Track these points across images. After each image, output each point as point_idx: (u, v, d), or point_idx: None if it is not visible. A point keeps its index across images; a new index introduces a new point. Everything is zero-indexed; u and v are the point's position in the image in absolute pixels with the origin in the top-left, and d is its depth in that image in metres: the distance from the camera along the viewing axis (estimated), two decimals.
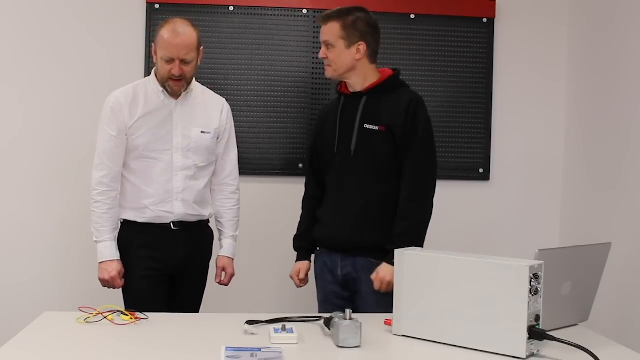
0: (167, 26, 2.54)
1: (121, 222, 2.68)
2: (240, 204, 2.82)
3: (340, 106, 2.64)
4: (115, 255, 2.61)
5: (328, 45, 2.57)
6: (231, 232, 2.80)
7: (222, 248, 2.79)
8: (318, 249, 2.72)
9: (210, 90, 2.78)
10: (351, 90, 2.62)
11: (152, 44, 2.62)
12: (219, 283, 2.78)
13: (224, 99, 2.79)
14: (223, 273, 2.77)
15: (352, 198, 2.57)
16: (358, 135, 2.56)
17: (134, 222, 2.64)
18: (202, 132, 2.66)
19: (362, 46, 2.56)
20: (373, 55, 2.60)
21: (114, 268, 2.59)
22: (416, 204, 2.52)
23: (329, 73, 2.62)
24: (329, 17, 2.59)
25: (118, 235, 2.67)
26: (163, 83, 2.59)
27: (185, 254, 2.65)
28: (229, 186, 2.79)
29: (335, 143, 2.61)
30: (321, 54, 2.61)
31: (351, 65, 2.57)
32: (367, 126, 2.55)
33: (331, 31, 2.56)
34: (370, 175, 2.55)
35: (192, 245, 2.68)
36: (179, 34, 2.52)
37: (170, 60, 2.52)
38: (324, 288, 2.66)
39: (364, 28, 2.57)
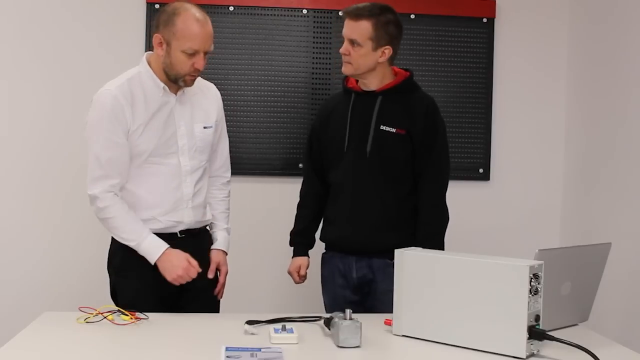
0: (185, 14, 2.23)
1: None
2: (230, 196, 2.61)
3: (351, 104, 2.59)
4: (166, 244, 2.29)
5: (354, 43, 2.47)
6: (224, 225, 2.56)
7: (217, 241, 2.51)
8: (325, 252, 2.69)
9: (199, 77, 2.44)
10: (364, 88, 2.57)
11: (157, 34, 2.26)
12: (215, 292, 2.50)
13: (213, 84, 2.54)
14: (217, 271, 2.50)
15: (368, 200, 2.54)
16: (374, 136, 2.54)
17: None
18: (204, 127, 2.41)
19: (388, 50, 2.51)
20: (393, 58, 2.56)
21: (179, 259, 2.27)
22: (439, 208, 2.57)
23: (347, 70, 2.53)
24: (360, 14, 2.45)
25: (114, 245, 2.39)
26: (177, 78, 2.29)
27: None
28: (222, 178, 2.58)
29: (345, 142, 2.57)
30: (343, 50, 2.49)
31: (373, 66, 2.52)
32: (383, 127, 2.53)
33: (361, 30, 2.46)
34: (385, 177, 2.54)
35: (199, 253, 2.39)
36: (204, 23, 2.23)
37: (194, 53, 2.23)
38: (333, 292, 2.63)
39: (394, 31, 2.51)
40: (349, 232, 2.56)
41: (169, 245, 2.29)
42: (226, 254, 2.54)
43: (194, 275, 2.29)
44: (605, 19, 3.23)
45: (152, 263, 2.29)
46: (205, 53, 2.27)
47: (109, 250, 2.43)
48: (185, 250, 2.37)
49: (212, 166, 2.54)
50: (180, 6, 2.26)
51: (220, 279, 2.49)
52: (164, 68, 2.30)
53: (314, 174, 2.71)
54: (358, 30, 2.46)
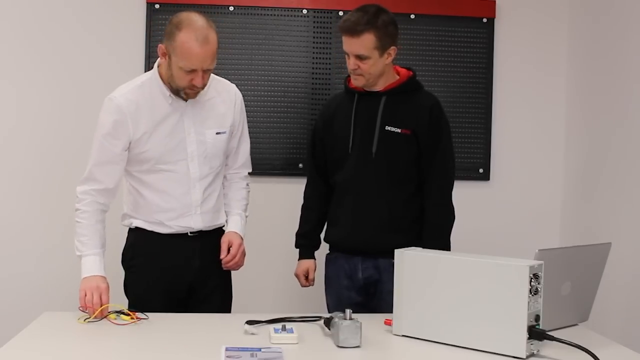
0: (187, 31, 2.17)
1: (131, 229, 2.44)
2: (250, 189, 2.59)
3: (354, 104, 2.58)
4: (103, 271, 2.25)
5: (361, 57, 2.44)
6: (238, 210, 2.50)
7: (228, 225, 2.47)
8: (329, 252, 2.68)
9: (218, 78, 2.45)
10: (367, 89, 2.56)
11: (161, 45, 2.26)
12: (224, 264, 2.40)
13: (234, 86, 2.50)
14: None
15: (374, 200, 2.53)
16: (379, 136, 2.52)
17: (146, 230, 2.39)
18: (217, 133, 2.39)
19: (393, 50, 2.50)
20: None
21: (99, 284, 2.18)
22: (445, 208, 2.58)
23: (360, 82, 2.51)
24: (360, 29, 2.40)
25: (128, 241, 2.45)
26: (178, 90, 2.28)
27: (203, 264, 2.40)
28: (240, 174, 2.56)
29: (349, 142, 2.56)
30: (352, 66, 2.46)
31: (383, 71, 2.52)
32: (388, 128, 2.52)
33: (365, 43, 2.42)
34: (391, 177, 2.53)
35: (210, 253, 2.41)
36: (204, 42, 2.17)
37: (192, 71, 2.21)
38: (338, 293, 2.61)
39: (393, 30, 2.49)
40: (355, 232, 2.55)
41: (100, 275, 2.23)
42: (241, 237, 2.46)
43: (89, 303, 2.13)
44: (605, 18, 3.23)
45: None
46: (205, 71, 2.24)
47: (124, 246, 2.46)
48: (193, 249, 2.40)
49: (232, 166, 2.54)
50: (184, 20, 2.21)
51: (232, 250, 2.39)
52: (167, 79, 2.30)
53: (317, 174, 2.70)
54: (362, 45, 2.43)
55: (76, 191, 2.33)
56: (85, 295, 2.15)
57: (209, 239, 2.44)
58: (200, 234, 2.41)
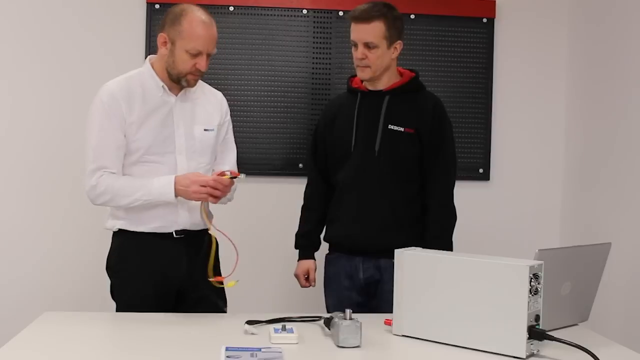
0: (191, 15, 2.28)
1: (115, 231, 2.39)
2: (233, 197, 2.49)
3: (357, 104, 2.59)
4: (172, 176, 2.28)
5: (370, 46, 2.47)
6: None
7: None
8: (329, 252, 2.68)
9: (205, 83, 2.51)
10: (371, 88, 2.57)
11: (162, 34, 2.31)
12: (215, 176, 2.31)
13: (221, 92, 2.55)
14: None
15: (376, 199, 2.53)
16: (382, 135, 2.53)
17: (130, 232, 2.35)
18: (205, 129, 2.41)
19: (399, 45, 2.54)
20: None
21: (191, 176, 2.25)
22: (447, 208, 2.59)
23: (366, 74, 2.52)
24: (371, 16, 2.46)
25: (112, 247, 2.41)
26: (179, 77, 2.32)
27: (190, 268, 2.36)
28: None
29: (352, 141, 2.56)
30: (359, 55, 2.48)
31: (388, 65, 2.54)
32: (391, 127, 2.53)
33: (375, 31, 2.46)
34: (393, 176, 2.53)
35: (195, 257, 2.34)
36: (209, 25, 2.29)
37: (198, 54, 2.28)
38: (338, 293, 2.61)
39: (400, 25, 2.54)
40: (356, 231, 2.55)
41: (174, 174, 2.28)
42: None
43: (212, 181, 2.22)
44: (605, 19, 3.23)
45: (174, 198, 2.26)
46: (208, 55, 2.32)
47: (108, 251, 2.43)
48: (179, 253, 2.35)
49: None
50: (187, 7, 2.31)
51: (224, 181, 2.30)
52: (166, 67, 2.33)
53: (318, 175, 2.70)
54: (372, 31, 2.47)
55: (90, 185, 2.31)
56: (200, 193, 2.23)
57: (196, 241, 2.36)
58: (187, 236, 2.36)
